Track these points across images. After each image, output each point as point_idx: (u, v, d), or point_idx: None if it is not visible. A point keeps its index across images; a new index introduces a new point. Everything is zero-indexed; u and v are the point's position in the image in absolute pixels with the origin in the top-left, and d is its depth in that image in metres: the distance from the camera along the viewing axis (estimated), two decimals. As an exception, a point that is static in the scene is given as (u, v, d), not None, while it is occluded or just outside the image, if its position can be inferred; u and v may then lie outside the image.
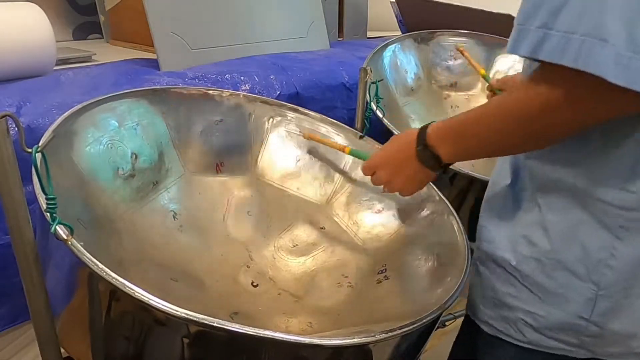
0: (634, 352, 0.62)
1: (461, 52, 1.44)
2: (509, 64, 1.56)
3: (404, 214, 0.94)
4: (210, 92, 1.00)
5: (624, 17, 0.46)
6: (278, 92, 1.19)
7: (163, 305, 0.52)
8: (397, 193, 0.79)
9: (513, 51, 0.52)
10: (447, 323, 0.94)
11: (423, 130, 0.67)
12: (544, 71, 0.52)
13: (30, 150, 0.56)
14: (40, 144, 0.59)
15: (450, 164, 0.69)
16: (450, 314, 0.99)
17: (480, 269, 0.71)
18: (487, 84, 1.18)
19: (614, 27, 0.46)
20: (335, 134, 1.05)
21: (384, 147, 0.78)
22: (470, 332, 0.73)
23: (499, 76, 1.55)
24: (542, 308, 0.63)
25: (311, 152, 1.03)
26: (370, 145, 1.03)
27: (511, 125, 0.57)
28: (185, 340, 0.56)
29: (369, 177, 0.81)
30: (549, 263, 0.62)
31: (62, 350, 0.68)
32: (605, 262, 0.58)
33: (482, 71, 1.37)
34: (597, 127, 0.55)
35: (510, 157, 0.68)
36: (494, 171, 0.73)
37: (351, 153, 0.94)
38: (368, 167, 0.80)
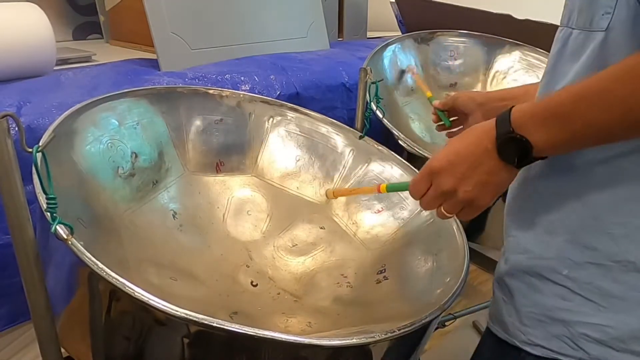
0: None
1: (412, 73, 1.43)
2: (508, 64, 1.56)
3: (404, 214, 0.94)
4: (211, 91, 1.00)
5: None
6: (278, 92, 1.19)
7: (163, 305, 0.52)
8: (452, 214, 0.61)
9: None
10: (446, 323, 0.94)
11: (505, 114, 0.52)
12: None
13: (30, 150, 0.56)
14: (40, 144, 0.59)
15: (541, 159, 0.54)
16: (449, 314, 0.99)
17: (513, 284, 0.62)
18: (432, 108, 1.08)
19: None
20: (335, 134, 1.05)
21: (446, 146, 0.59)
22: (503, 355, 0.63)
23: (499, 77, 1.55)
24: (610, 317, 0.55)
25: (311, 152, 1.03)
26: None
27: None
28: (185, 340, 0.56)
29: (417, 199, 0.63)
30: (615, 266, 0.54)
31: (63, 350, 0.68)
32: None
33: (429, 94, 1.31)
34: None
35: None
36: (525, 174, 0.62)
37: (389, 190, 0.82)
38: (423, 177, 0.60)
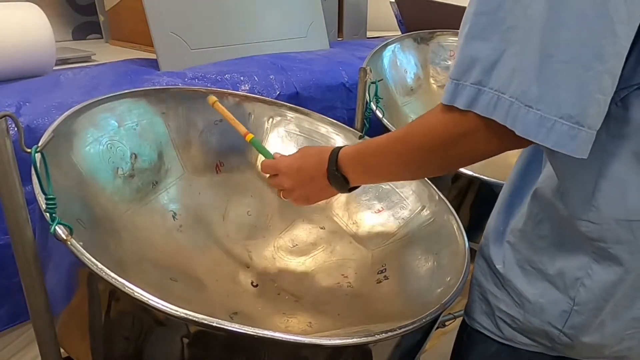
0: (605, 357, 0.63)
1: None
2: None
3: (404, 213, 0.94)
4: (210, 92, 1.00)
5: (549, 82, 0.47)
6: (278, 92, 1.19)
7: (163, 305, 0.52)
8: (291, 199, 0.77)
9: (450, 102, 0.53)
10: (446, 323, 0.94)
11: (336, 151, 0.69)
12: (455, 113, 0.53)
13: (29, 150, 0.56)
14: (39, 144, 0.59)
15: (358, 186, 0.72)
16: (450, 313, 0.98)
17: (477, 261, 0.73)
18: None
19: (539, 91, 0.47)
20: (335, 134, 1.05)
21: (293, 155, 0.76)
22: (462, 328, 0.75)
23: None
24: (520, 313, 0.65)
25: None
26: None
27: (419, 152, 0.58)
28: (185, 340, 0.56)
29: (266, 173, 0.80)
30: (533, 272, 0.64)
31: (62, 350, 0.68)
32: (582, 280, 0.60)
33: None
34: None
35: (519, 163, 0.69)
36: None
37: (252, 142, 0.85)
38: (271, 167, 0.78)
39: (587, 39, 0.46)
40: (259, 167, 0.80)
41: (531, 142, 0.50)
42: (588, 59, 0.46)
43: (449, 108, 0.54)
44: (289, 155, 0.77)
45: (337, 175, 0.68)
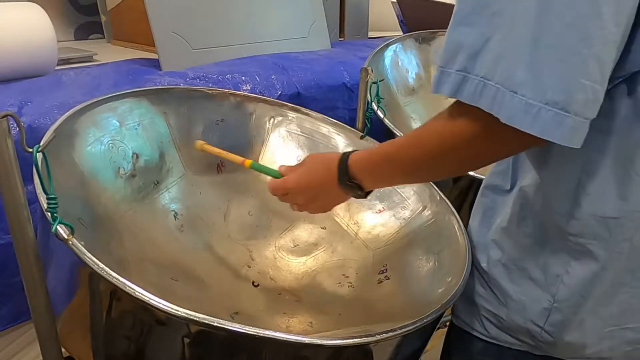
0: (588, 357, 0.64)
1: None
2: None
3: (405, 214, 0.94)
4: (212, 92, 1.00)
5: (534, 67, 0.46)
6: (279, 92, 1.19)
7: (164, 304, 0.52)
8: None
9: (436, 91, 0.53)
10: (447, 323, 0.94)
11: (344, 161, 0.67)
12: (463, 107, 0.52)
13: (31, 150, 0.56)
14: (41, 144, 0.59)
15: (372, 190, 0.71)
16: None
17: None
18: None
19: (524, 77, 0.46)
20: (336, 134, 1.05)
21: (299, 171, 0.73)
22: (449, 328, 0.77)
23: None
24: (503, 311, 0.66)
25: (312, 152, 1.03)
26: (364, 145, 1.01)
27: (433, 158, 0.58)
28: (186, 340, 0.56)
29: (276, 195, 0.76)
30: (515, 270, 0.65)
31: (63, 349, 0.68)
32: (561, 277, 0.60)
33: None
34: (549, 149, 0.57)
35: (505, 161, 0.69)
36: (494, 168, 0.74)
37: (253, 167, 0.81)
38: (279, 188, 0.74)
39: (573, 22, 0.45)
40: (269, 185, 0.75)
41: (536, 143, 0.49)
42: (573, 43, 0.45)
43: (451, 108, 0.53)
44: (294, 172, 0.73)
45: (351, 185, 0.67)
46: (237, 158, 0.83)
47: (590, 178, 0.55)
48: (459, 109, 0.53)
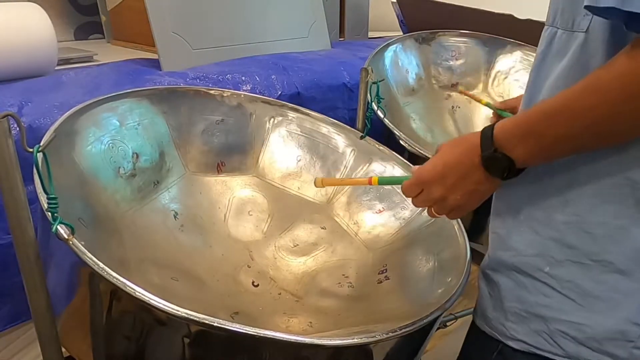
0: None
1: (463, 93, 1.46)
2: (510, 64, 1.55)
3: (405, 214, 0.94)
4: (212, 92, 1.00)
5: None
6: (279, 92, 1.19)
7: (164, 305, 0.52)
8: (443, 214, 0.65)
9: (595, 2, 0.44)
10: (447, 323, 0.94)
11: (488, 131, 0.56)
12: None
13: (31, 150, 0.56)
14: (41, 144, 0.59)
15: (524, 169, 0.58)
16: (451, 314, 0.98)
17: (496, 278, 0.64)
18: (492, 110, 1.14)
19: None
20: (336, 134, 1.05)
21: (433, 159, 0.63)
22: (485, 348, 0.65)
23: (500, 77, 1.55)
24: (587, 317, 0.56)
25: (312, 152, 1.03)
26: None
27: (615, 106, 0.48)
28: (186, 340, 0.56)
29: (410, 198, 0.67)
30: (595, 265, 0.55)
31: (63, 349, 0.68)
32: None
33: (483, 101, 1.34)
34: None
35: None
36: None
37: (381, 182, 0.78)
38: (414, 184, 0.64)
39: None
40: (402, 188, 0.66)
41: None
42: None
43: (632, 45, 0.45)
44: (427, 162, 0.64)
45: (498, 157, 0.55)
46: (362, 180, 0.82)
47: None
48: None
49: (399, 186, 0.83)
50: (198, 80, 1.14)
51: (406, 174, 0.91)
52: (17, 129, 0.56)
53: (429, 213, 0.67)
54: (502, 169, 0.57)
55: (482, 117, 1.47)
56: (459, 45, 1.53)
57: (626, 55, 0.47)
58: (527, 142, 0.54)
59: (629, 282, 0.54)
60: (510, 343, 0.62)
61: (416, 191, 0.65)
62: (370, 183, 0.79)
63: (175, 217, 0.89)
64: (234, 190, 0.98)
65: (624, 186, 0.53)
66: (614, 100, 0.48)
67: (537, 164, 0.58)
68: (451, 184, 0.61)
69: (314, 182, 0.85)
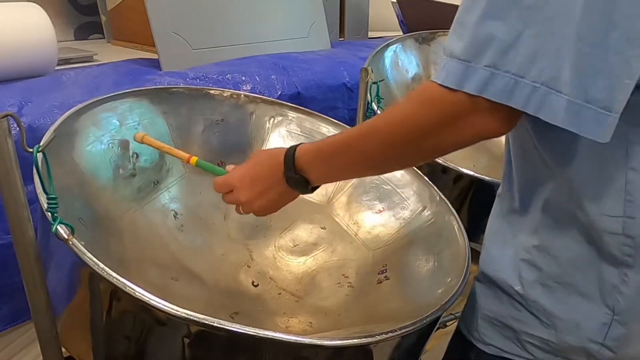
0: None
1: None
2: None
3: (405, 214, 0.94)
4: (212, 91, 1.00)
5: (578, 66, 0.45)
6: (279, 92, 1.19)
7: (163, 305, 0.52)
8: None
9: (457, 87, 0.49)
10: (447, 323, 0.94)
11: (291, 153, 0.64)
12: (460, 96, 0.49)
13: (31, 150, 0.56)
14: (41, 144, 0.59)
15: (319, 186, 0.68)
16: (451, 314, 0.98)
17: (479, 288, 0.68)
18: None
19: (567, 75, 0.45)
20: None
21: (244, 166, 0.70)
22: (465, 349, 0.69)
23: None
24: (552, 334, 0.60)
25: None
26: None
27: (399, 141, 0.55)
28: (186, 340, 0.56)
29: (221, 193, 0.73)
30: (559, 288, 0.59)
31: (63, 349, 0.68)
32: (618, 288, 0.56)
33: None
34: (582, 149, 0.54)
35: (514, 177, 0.64)
36: (500, 188, 0.69)
37: (198, 165, 0.77)
38: (224, 184, 0.71)
39: (618, 21, 0.44)
40: (214, 183, 0.72)
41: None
42: (619, 43, 0.44)
43: (441, 91, 0.50)
44: (240, 167, 0.71)
45: (297, 178, 0.64)
46: (182, 154, 0.79)
47: (637, 173, 0.52)
48: (451, 95, 0.49)
49: (397, 184, 0.92)
50: (198, 80, 1.14)
51: (406, 176, 0.93)
52: (17, 129, 0.56)
53: (237, 210, 0.73)
54: (301, 187, 0.66)
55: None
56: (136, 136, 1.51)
57: (414, 100, 0.54)
58: (320, 168, 0.64)
59: (588, 304, 0.58)
60: (482, 347, 0.67)
61: (226, 190, 0.71)
62: (188, 161, 0.78)
63: (175, 217, 0.89)
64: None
65: (576, 217, 0.57)
66: (401, 139, 0.55)
67: (330, 182, 0.77)
68: (258, 191, 0.68)
69: (134, 136, 0.83)
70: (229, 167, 0.73)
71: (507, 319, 0.63)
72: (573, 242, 0.57)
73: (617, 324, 0.57)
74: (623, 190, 0.53)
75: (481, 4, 0.48)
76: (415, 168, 0.98)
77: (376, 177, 0.99)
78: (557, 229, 0.58)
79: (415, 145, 0.54)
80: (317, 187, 0.67)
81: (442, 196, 0.90)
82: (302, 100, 1.22)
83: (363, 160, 0.60)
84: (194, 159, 0.78)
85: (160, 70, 1.16)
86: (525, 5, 0.46)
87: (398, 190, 0.96)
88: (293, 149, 0.64)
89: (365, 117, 1.05)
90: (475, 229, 0.90)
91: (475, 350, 0.67)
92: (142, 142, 0.82)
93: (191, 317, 0.52)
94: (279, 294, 0.87)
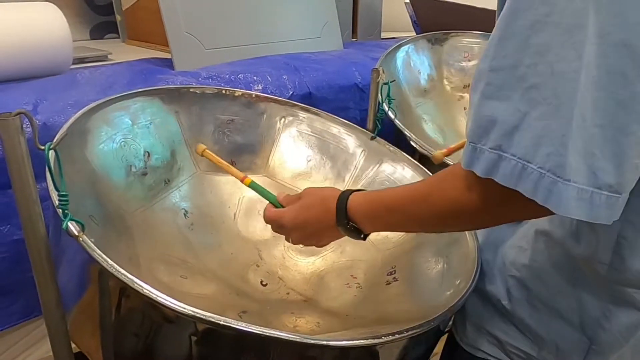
0: None
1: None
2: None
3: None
4: (223, 91, 1.01)
5: (585, 150, 0.42)
6: (291, 92, 1.19)
7: (172, 302, 0.52)
8: None
9: (468, 167, 0.48)
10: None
11: (343, 204, 0.63)
12: (483, 181, 0.48)
13: (43, 147, 0.57)
14: (53, 142, 0.60)
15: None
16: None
17: (475, 294, 0.69)
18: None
19: (575, 162, 0.43)
20: (346, 135, 1.04)
21: (296, 207, 0.70)
22: (455, 352, 0.71)
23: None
24: (534, 350, 0.63)
25: (322, 152, 1.03)
26: (378, 147, 1.00)
27: (440, 217, 0.56)
28: (193, 338, 0.56)
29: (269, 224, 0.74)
30: (544, 309, 0.60)
31: (73, 345, 0.69)
32: (600, 321, 0.57)
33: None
34: None
35: None
36: None
37: (251, 186, 0.80)
38: (276, 221, 0.71)
39: (626, 101, 0.41)
40: (265, 213, 0.73)
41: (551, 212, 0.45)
42: (626, 123, 0.41)
43: (469, 174, 0.49)
44: (291, 207, 0.71)
45: (351, 229, 0.65)
46: (238, 173, 0.82)
47: (633, 229, 0.51)
48: (475, 179, 0.48)
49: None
50: (210, 79, 1.14)
51: (417, 178, 0.93)
52: (30, 126, 0.57)
53: (286, 239, 0.74)
54: (355, 234, 0.66)
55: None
56: (471, 46, 1.52)
57: (465, 185, 0.51)
58: (373, 224, 0.64)
59: (571, 331, 0.59)
60: (470, 350, 0.69)
61: (276, 227, 0.72)
62: (242, 181, 0.81)
63: (185, 215, 0.90)
64: (244, 189, 0.98)
65: (563, 252, 0.58)
66: (442, 214, 0.55)
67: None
68: (309, 233, 0.69)
69: (196, 149, 0.86)
70: (280, 196, 0.74)
71: (494, 328, 0.66)
72: (562, 270, 0.59)
73: (595, 353, 0.58)
74: (615, 242, 0.53)
75: (481, 84, 0.47)
76: (425, 169, 0.97)
77: (386, 178, 0.99)
78: (548, 255, 0.60)
79: (469, 223, 0.58)
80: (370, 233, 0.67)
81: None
82: (313, 100, 1.22)
83: (418, 226, 0.64)
84: (247, 180, 0.80)
85: (173, 69, 1.17)
86: (528, 85, 0.44)
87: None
88: (345, 198, 0.64)
89: (376, 118, 1.05)
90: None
91: (466, 354, 0.69)
92: (202, 155, 0.86)
93: (199, 315, 0.52)
94: (288, 293, 0.87)
